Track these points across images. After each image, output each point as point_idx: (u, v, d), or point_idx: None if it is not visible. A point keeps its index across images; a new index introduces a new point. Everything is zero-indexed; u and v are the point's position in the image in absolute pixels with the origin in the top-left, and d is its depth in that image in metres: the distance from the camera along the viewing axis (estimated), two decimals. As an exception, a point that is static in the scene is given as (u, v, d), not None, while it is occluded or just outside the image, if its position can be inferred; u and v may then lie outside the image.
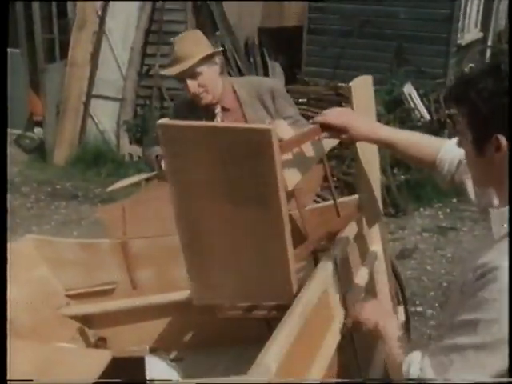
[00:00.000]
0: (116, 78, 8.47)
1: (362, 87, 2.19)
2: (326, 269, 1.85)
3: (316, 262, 1.90)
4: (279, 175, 1.62)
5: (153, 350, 2.65)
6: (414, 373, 1.62)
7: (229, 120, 3.05)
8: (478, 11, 10.77)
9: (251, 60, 9.21)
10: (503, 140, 1.49)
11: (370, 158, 2.21)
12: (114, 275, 2.90)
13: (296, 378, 1.57)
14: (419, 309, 4.89)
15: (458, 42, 9.46)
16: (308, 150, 1.97)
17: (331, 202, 2.28)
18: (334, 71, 8.86)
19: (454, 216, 6.83)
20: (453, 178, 2.01)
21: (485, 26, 11.37)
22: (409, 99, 8.26)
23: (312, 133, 1.97)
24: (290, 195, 1.92)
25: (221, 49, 3.13)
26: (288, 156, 1.87)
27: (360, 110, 2.09)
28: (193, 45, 3.06)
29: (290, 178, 1.77)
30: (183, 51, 3.03)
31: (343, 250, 1.92)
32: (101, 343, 2.88)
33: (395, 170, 6.99)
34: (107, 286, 2.91)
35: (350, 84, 2.11)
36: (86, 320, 2.93)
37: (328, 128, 1.98)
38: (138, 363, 1.32)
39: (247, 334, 2.35)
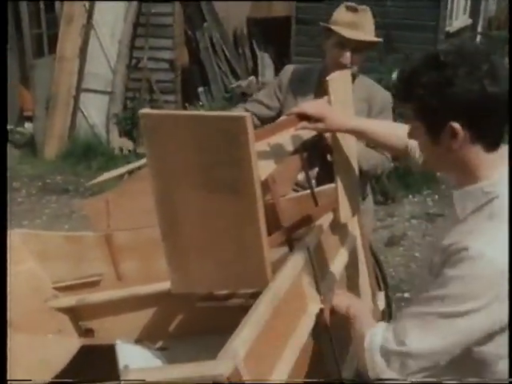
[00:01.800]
0: (105, 71, 8.48)
1: (340, 82, 2.22)
2: (298, 256, 1.88)
3: (291, 250, 1.93)
4: (254, 163, 1.66)
5: (138, 340, 2.68)
6: (377, 341, 1.63)
7: None
8: (466, -2, 10.81)
9: (240, 51, 9.24)
10: (457, 126, 1.53)
11: (347, 149, 2.24)
12: (100, 267, 2.92)
13: (266, 363, 1.59)
14: (407, 295, 4.93)
15: (447, 29, 9.48)
16: (284, 140, 2.00)
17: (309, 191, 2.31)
18: (312, 63, 8.86)
19: (443, 203, 6.87)
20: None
21: (474, 13, 11.39)
22: (395, 98, 8.29)
23: (288, 123, 2.00)
24: (267, 184, 1.95)
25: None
26: (263, 146, 1.90)
27: (337, 104, 2.12)
28: (371, 21, 3.05)
29: (264, 167, 1.81)
30: (366, 22, 3.01)
31: (317, 238, 1.95)
32: (88, 335, 2.91)
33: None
34: (93, 278, 2.94)
35: (328, 78, 2.14)
36: (72, 312, 2.95)
37: (304, 118, 2.02)
38: (109, 351, 1.35)
39: (231, 323, 2.38)
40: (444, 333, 1.55)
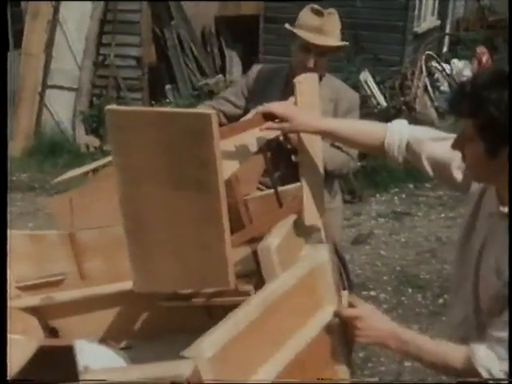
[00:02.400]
0: (71, 67, 8.41)
1: (307, 83, 2.22)
2: (317, 253, 1.88)
3: (253, 251, 1.92)
4: (218, 160, 1.65)
5: (102, 340, 2.66)
6: (498, 374, 1.68)
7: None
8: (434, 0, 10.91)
9: (208, 49, 9.22)
10: None
11: (313, 150, 2.24)
12: (63, 266, 2.89)
13: (247, 364, 1.56)
14: (373, 293, 4.97)
15: (415, 29, 9.58)
16: (248, 139, 2.00)
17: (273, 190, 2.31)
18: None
19: (410, 201, 6.94)
20: (405, 159, 2.06)
21: (442, 14, 11.51)
22: (365, 86, 8.35)
23: (254, 122, 2.00)
24: (230, 183, 1.94)
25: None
26: (228, 145, 1.90)
27: (304, 106, 2.12)
28: (338, 26, 3.05)
29: (228, 166, 1.80)
30: (331, 27, 3.01)
31: (280, 238, 1.94)
32: (53, 335, 2.88)
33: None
34: (57, 278, 2.90)
35: (295, 80, 2.13)
36: (36, 312, 2.92)
37: (270, 118, 2.01)
38: (68, 351, 1.34)
39: (195, 322, 2.36)
40: None
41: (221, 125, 1.78)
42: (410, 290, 5.03)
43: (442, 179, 2.03)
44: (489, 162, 1.67)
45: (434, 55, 9.71)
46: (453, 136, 1.82)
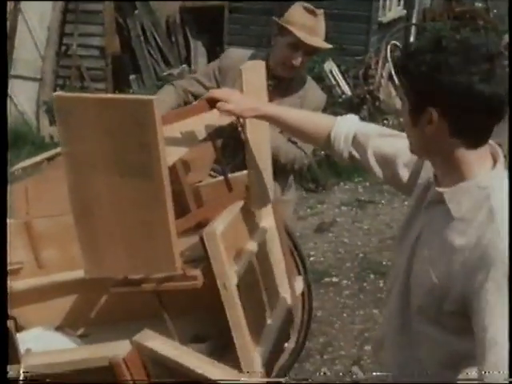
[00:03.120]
0: (34, 57, 8.33)
1: (253, 71, 2.24)
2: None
3: (203, 243, 1.94)
4: (161, 146, 1.68)
5: (59, 327, 2.68)
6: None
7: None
8: (400, -11, 10.99)
9: (173, 39, 9.18)
10: (434, 113, 1.54)
11: (259, 137, 2.27)
12: (20, 255, 2.89)
13: None
14: (335, 279, 5.03)
15: (380, 19, 9.63)
16: (195, 126, 2.02)
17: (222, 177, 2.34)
18: (256, 50, 8.90)
19: (374, 190, 7.00)
20: (350, 153, 2.00)
21: (408, 5, 11.58)
22: (330, 76, 8.40)
23: (198, 108, 2.02)
24: (176, 169, 1.97)
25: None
26: (175, 131, 1.92)
27: (250, 93, 2.13)
28: (324, 26, 3.08)
29: (174, 152, 1.83)
30: (322, 28, 3.05)
31: (224, 224, 1.97)
32: (11, 323, 2.89)
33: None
34: (13, 266, 2.91)
35: (241, 67, 2.14)
36: (-7, 301, 2.91)
37: (214, 103, 2.02)
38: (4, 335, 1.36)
39: (147, 308, 2.39)
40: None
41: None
42: (372, 276, 5.11)
43: (387, 177, 1.96)
44: (411, 129, 1.63)
45: (399, 45, 9.80)
46: (402, 134, 1.80)
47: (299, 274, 2.80)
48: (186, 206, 2.10)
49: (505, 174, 1.63)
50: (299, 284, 2.67)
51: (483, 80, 1.50)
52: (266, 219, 2.37)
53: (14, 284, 2.90)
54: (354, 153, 1.99)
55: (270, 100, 3.10)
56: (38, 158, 2.97)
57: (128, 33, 8.74)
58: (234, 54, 3.28)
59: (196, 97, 3.14)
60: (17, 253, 2.90)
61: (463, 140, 1.57)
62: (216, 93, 2.04)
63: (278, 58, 3.10)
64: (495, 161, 1.63)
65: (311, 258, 5.32)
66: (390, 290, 1.88)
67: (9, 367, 1.41)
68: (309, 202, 6.63)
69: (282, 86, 3.15)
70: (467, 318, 1.58)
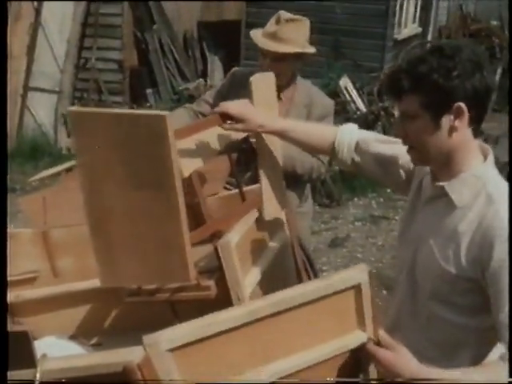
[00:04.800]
0: (53, 70, 8.43)
1: (263, 83, 2.27)
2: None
3: (214, 247, 1.97)
4: (174, 160, 1.71)
5: (73, 336, 2.71)
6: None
7: None
8: (416, 6, 11.00)
9: (190, 53, 9.26)
10: (463, 106, 1.68)
11: (271, 149, 2.29)
12: (36, 264, 2.93)
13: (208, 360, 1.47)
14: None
15: (395, 36, 9.67)
16: (210, 139, 2.06)
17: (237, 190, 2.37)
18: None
19: (387, 205, 7.01)
20: (353, 160, 2.13)
21: (424, 22, 11.61)
22: (345, 92, 8.43)
23: (210, 122, 2.06)
24: (191, 181, 2.00)
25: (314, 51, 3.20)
26: (190, 143, 1.96)
27: (260, 105, 2.17)
28: (299, 33, 3.12)
29: (187, 165, 1.86)
30: (287, 34, 3.08)
31: (239, 235, 2.00)
32: (29, 328, 2.91)
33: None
34: (29, 275, 2.94)
35: (251, 79, 2.17)
36: (9, 309, 2.95)
37: (226, 117, 2.06)
38: (22, 337, 1.38)
39: (163, 319, 2.41)
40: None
41: None
42: (384, 292, 5.10)
43: (387, 178, 2.10)
44: (433, 135, 1.73)
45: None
46: (397, 140, 1.90)
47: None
48: (201, 218, 2.13)
49: (494, 169, 1.80)
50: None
51: (488, 73, 1.72)
52: (280, 231, 2.40)
53: (29, 293, 2.93)
54: (357, 159, 2.13)
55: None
56: (56, 169, 3.01)
57: (146, 47, 8.83)
58: (236, 73, 3.38)
59: (205, 116, 3.21)
60: (33, 262, 2.94)
61: (475, 127, 1.75)
62: (229, 108, 2.07)
63: (259, 68, 3.17)
64: (485, 155, 1.80)
65: (324, 273, 5.32)
66: (398, 281, 1.98)
67: (25, 371, 1.44)
68: (323, 216, 6.64)
69: (283, 95, 3.21)
70: (480, 296, 1.73)
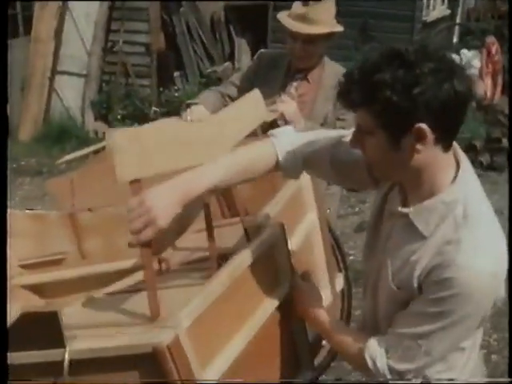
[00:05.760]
0: (80, 53, 8.46)
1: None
2: (268, 232, 1.88)
3: (247, 234, 1.95)
4: None
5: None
6: (382, 367, 1.60)
7: (300, 92, 3.18)
8: (444, -12, 10.88)
9: (217, 36, 9.23)
10: (425, 127, 1.44)
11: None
12: (64, 245, 2.95)
13: (216, 337, 1.60)
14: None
15: (423, 18, 9.55)
16: (242, 118, 2.05)
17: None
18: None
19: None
20: (306, 172, 1.95)
21: (452, 4, 11.47)
22: (337, 100, 8.33)
23: None
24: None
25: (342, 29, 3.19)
26: (222, 126, 1.94)
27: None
28: (328, 13, 3.11)
29: (220, 146, 1.85)
30: (316, 14, 3.06)
31: (269, 217, 1.98)
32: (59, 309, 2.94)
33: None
34: (57, 256, 2.97)
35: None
36: (37, 289, 2.98)
37: None
38: (52, 318, 1.38)
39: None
40: (449, 337, 1.55)
41: None
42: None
43: (352, 180, 1.88)
44: (392, 154, 1.50)
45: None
46: (350, 131, 1.65)
47: (339, 271, 2.80)
48: (229, 197, 2.13)
49: (469, 182, 1.57)
50: (339, 281, 2.67)
51: (458, 79, 1.44)
52: (310, 213, 2.38)
53: (57, 274, 2.96)
54: (309, 172, 1.97)
55: (305, 93, 3.16)
56: (83, 151, 3.02)
57: (173, 30, 8.81)
58: (263, 54, 3.39)
59: (232, 99, 3.22)
60: (61, 243, 2.97)
61: (444, 143, 1.51)
62: None
63: (288, 51, 3.19)
64: (458, 166, 1.57)
65: (350, 257, 5.28)
66: (364, 294, 1.84)
67: (54, 351, 1.44)
68: (350, 200, 6.60)
69: (310, 77, 3.21)
70: None
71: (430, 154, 1.49)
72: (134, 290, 1.99)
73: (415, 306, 1.57)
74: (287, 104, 2.98)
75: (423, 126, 1.44)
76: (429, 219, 1.53)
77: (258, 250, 1.79)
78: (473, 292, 1.48)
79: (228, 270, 1.69)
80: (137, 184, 1.59)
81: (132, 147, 1.61)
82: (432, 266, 1.51)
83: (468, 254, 1.47)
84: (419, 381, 1.63)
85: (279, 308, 1.86)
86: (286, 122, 2.96)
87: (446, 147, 1.52)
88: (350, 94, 1.50)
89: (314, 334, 2.04)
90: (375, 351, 1.62)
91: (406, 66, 1.42)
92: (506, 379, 1.61)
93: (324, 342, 2.65)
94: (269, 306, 1.83)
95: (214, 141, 1.86)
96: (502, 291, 1.56)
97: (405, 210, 1.58)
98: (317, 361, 2.46)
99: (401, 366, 1.59)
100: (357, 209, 6.49)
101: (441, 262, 1.49)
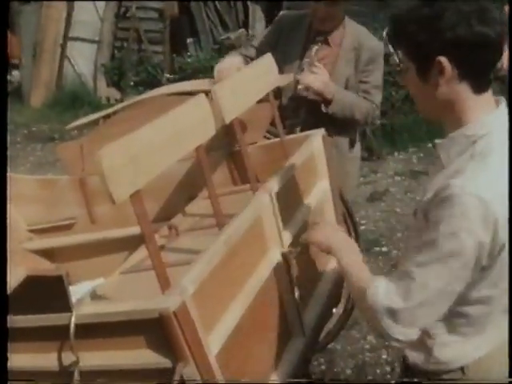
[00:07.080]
0: (93, 19, 8.40)
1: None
2: (260, 200, 1.89)
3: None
4: None
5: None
6: (382, 301, 1.60)
7: (321, 55, 3.13)
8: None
9: (231, 3, 9.12)
10: (444, 60, 1.54)
11: None
12: (74, 211, 2.94)
13: (218, 302, 1.61)
14: (384, 249, 4.98)
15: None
16: (253, 84, 2.01)
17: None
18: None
19: (428, 161, 6.86)
20: None
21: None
22: (388, 44, 8.24)
23: None
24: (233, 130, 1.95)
25: None
26: (230, 89, 1.90)
27: None
28: None
29: (228, 110, 1.81)
30: None
31: (280, 183, 1.96)
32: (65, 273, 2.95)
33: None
34: (67, 221, 2.96)
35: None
36: (47, 254, 2.98)
37: None
38: (57, 282, 1.37)
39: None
40: (443, 274, 1.55)
41: None
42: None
43: None
44: (423, 88, 1.63)
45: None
46: None
47: (349, 236, 2.78)
48: (241, 166, 2.10)
49: (500, 125, 1.63)
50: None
51: (479, 21, 1.53)
52: (322, 180, 2.36)
53: (67, 238, 2.96)
54: None
55: (325, 57, 3.12)
56: (93, 116, 3.00)
57: (187, -5, 8.73)
58: (284, 16, 3.36)
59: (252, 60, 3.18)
60: (70, 208, 2.96)
61: (472, 82, 1.59)
62: None
63: (310, 13, 3.15)
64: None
65: (362, 227, 5.26)
66: None
67: (60, 315, 1.43)
68: (362, 170, 6.53)
69: (331, 40, 3.17)
70: None
71: (454, 90, 1.59)
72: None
73: (418, 238, 1.61)
74: (314, 76, 2.95)
75: (443, 59, 1.54)
76: (450, 151, 1.63)
77: (249, 219, 1.84)
78: (463, 214, 1.51)
79: (224, 238, 1.71)
80: (137, 195, 1.59)
81: (121, 161, 1.59)
82: (434, 192, 1.56)
83: (467, 177, 1.53)
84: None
85: (270, 278, 1.90)
86: (316, 94, 2.96)
87: (476, 88, 1.60)
88: (391, 32, 1.67)
89: (324, 303, 2.03)
90: (377, 287, 1.64)
91: (431, 4, 1.57)
92: (506, 379, 1.59)
93: (334, 310, 2.65)
94: (262, 272, 1.87)
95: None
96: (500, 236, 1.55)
97: (437, 141, 1.67)
98: (326, 328, 2.46)
99: (398, 305, 1.59)
100: (369, 178, 6.44)
101: (443, 186, 1.55)
